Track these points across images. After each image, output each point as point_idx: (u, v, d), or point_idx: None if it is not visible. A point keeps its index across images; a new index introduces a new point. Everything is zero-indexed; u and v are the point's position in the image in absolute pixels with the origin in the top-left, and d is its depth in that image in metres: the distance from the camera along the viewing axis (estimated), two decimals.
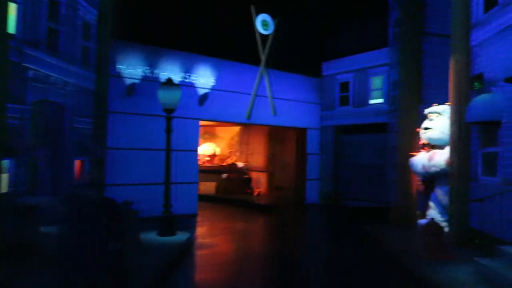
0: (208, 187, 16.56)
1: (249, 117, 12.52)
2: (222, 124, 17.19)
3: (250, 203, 13.31)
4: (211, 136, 18.37)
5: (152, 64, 10.63)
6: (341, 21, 13.89)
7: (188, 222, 10.15)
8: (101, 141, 9.34)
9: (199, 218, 10.81)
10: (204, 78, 11.54)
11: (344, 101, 13.82)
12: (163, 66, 10.77)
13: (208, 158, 17.23)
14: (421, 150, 8.78)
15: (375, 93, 12.87)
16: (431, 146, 8.57)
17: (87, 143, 8.72)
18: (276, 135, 15.70)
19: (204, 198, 14.68)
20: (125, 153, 9.98)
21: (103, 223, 3.10)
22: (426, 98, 8.95)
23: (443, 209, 8.11)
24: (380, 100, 12.68)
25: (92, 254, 3.01)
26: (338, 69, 13.94)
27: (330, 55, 14.23)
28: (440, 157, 7.59)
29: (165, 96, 7.54)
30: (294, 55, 13.83)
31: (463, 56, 6.76)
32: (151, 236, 7.51)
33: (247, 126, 17.06)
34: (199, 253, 7.27)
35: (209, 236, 8.54)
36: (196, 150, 11.38)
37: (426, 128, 8.02)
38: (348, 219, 11.36)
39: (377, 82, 12.80)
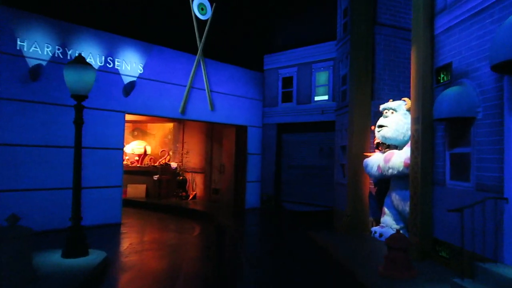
0: (137, 190, 14.87)
1: (183, 112, 11.08)
2: (153, 120, 15.50)
3: (184, 209, 11.85)
4: (142, 134, 16.57)
5: (65, 43, 8.78)
6: (285, 11, 12.99)
7: (108, 235, 8.49)
8: None
9: (123, 229, 9.17)
10: (130, 65, 9.89)
11: (287, 97, 12.92)
12: (80, 47, 8.96)
13: (138, 158, 15.43)
14: (375, 150, 8.05)
15: (320, 90, 12.11)
16: (387, 145, 7.87)
17: None
18: (214, 133, 14.39)
19: (132, 204, 12.98)
20: (21, 150, 8.05)
21: None
22: (379, 94, 8.25)
23: (398, 216, 7.41)
24: (325, 97, 11.94)
25: None
26: (281, 62, 13.00)
27: (273, 47, 13.26)
28: (398, 158, 6.87)
29: (73, 79, 5.89)
30: (235, 45, 12.65)
31: (427, 44, 6.03)
32: (53, 259, 5.84)
33: (181, 122, 15.56)
34: (117, 277, 5.76)
35: (133, 252, 7.02)
36: (121, 149, 9.71)
37: (380, 126, 7.27)
38: (291, 224, 10.41)
39: (322, 78, 12.05)
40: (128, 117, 14.89)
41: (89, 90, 6.12)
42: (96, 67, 9.23)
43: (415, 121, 6.14)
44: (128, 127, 16.35)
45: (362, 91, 8.29)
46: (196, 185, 15.02)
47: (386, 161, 7.01)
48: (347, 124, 8.77)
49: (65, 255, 5.86)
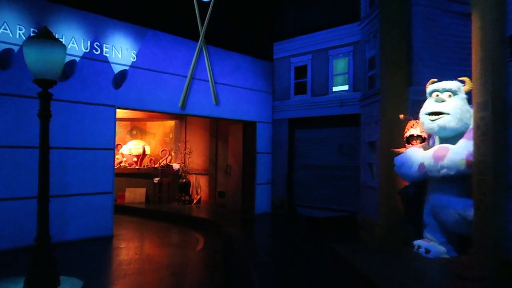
0: (136, 194, 13.54)
1: (184, 106, 9.71)
2: (152, 117, 14.16)
3: (187, 216, 10.48)
4: (141, 133, 15.25)
5: (42, 25, 7.41)
6: None
7: (94, 252, 7.13)
8: None
9: (115, 243, 7.83)
10: (121, 52, 8.53)
11: (300, 89, 11.50)
12: (60, 29, 7.61)
13: (136, 159, 14.10)
14: (406, 145, 6.62)
15: (338, 79, 10.68)
16: (423, 139, 6.44)
17: None
18: (219, 131, 13.02)
19: (129, 211, 11.65)
20: None
21: None
22: (417, 78, 6.81)
23: (437, 227, 5.99)
24: (345, 87, 10.51)
25: None
26: (293, 50, 11.59)
27: (284, 33, 11.85)
28: (456, 155, 5.42)
29: (36, 58, 4.52)
30: (241, 31, 11.26)
31: (495, 5, 4.60)
32: None
33: (183, 119, 14.21)
34: None
35: (121, 277, 5.65)
36: (111, 149, 8.35)
37: (435, 113, 5.77)
38: (309, 234, 9.01)
39: (340, 65, 10.62)
40: (125, 114, 13.64)
41: (58, 73, 4.75)
42: (80, 54, 7.89)
43: (480, 106, 4.73)
44: (126, 126, 15.05)
45: (396, 75, 6.86)
46: (201, 188, 13.67)
47: (438, 158, 5.55)
48: (376, 115, 7.36)
49: (28, 286, 4.50)
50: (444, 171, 5.52)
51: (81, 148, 7.87)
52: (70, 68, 7.68)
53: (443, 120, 5.63)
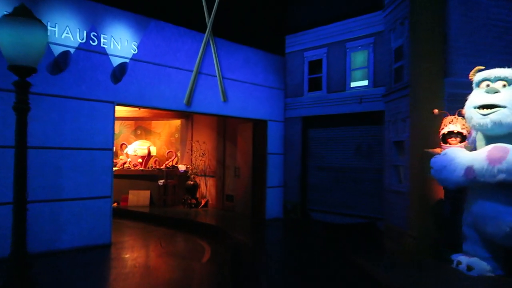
0: (140, 197, 12.86)
1: (189, 103, 8.96)
2: (157, 116, 13.47)
3: (192, 222, 9.71)
4: (145, 132, 14.58)
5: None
6: None
7: (88, 263, 6.40)
8: None
9: (113, 252, 7.11)
10: (121, 43, 7.82)
11: (315, 85, 10.68)
12: (53, 17, 6.91)
13: (141, 160, 13.41)
14: (443, 144, 5.79)
15: (357, 74, 9.85)
16: (463, 136, 5.61)
17: None
18: (228, 130, 12.26)
19: (131, 216, 10.94)
20: None
21: None
22: (454, 68, 5.97)
23: (479, 240, 5.15)
24: (364, 82, 9.68)
25: None
26: (307, 43, 10.78)
27: (297, 26, 11.04)
28: None
29: (11, 40, 3.80)
30: (251, 22, 10.51)
31: None
32: None
33: (188, 117, 13.51)
34: None
35: None
36: (109, 149, 7.63)
37: (486, 107, 4.94)
38: (326, 243, 8.19)
39: (359, 59, 9.79)
40: (128, 113, 12.95)
41: (38, 60, 4.00)
42: (76, 45, 7.19)
43: None
44: (130, 126, 14.38)
45: (429, 66, 6.03)
46: (208, 190, 12.93)
47: (495, 161, 4.67)
48: (405, 112, 6.53)
49: None
50: (501, 176, 4.63)
51: (76, 148, 7.16)
52: (64, 60, 6.97)
53: (498, 114, 4.77)
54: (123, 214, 11.12)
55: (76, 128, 7.15)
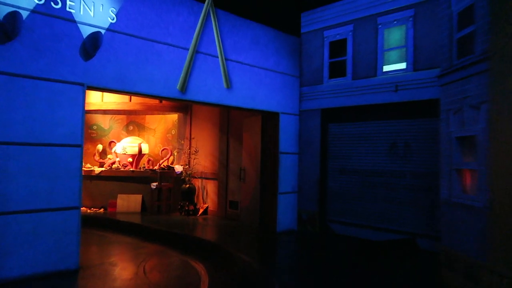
0: (130, 202, 11.14)
1: (184, 89, 7.15)
2: (151, 108, 11.67)
3: (188, 238, 7.87)
4: (138, 128, 12.80)
5: None
6: None
7: None
8: None
9: (80, 283, 5.31)
10: (94, 8, 6.02)
11: (337, 70, 8.85)
12: None
13: (132, 160, 11.63)
14: None
15: (391, 55, 8.00)
16: None
17: None
18: (232, 124, 10.48)
19: (116, 226, 9.17)
20: None
21: None
22: None
23: None
24: (401, 65, 7.82)
25: None
26: (328, 20, 8.94)
27: (315, 0, 9.20)
28: None
29: None
30: None
31: None
32: None
33: (187, 111, 11.75)
34: None
35: None
36: (77, 145, 5.84)
37: None
38: (356, 266, 6.35)
39: (395, 36, 7.94)
40: (118, 105, 11.18)
41: None
42: (31, 7, 5.40)
43: None
44: (121, 121, 12.63)
45: None
46: (208, 195, 11.14)
47: None
48: (478, 95, 4.68)
49: None
50: None
51: (30, 143, 5.38)
52: (12, 26, 5.18)
53: None
54: (107, 224, 9.35)
55: (30, 116, 5.36)
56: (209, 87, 7.59)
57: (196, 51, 7.33)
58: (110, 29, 6.18)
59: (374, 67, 8.11)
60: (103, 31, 6.08)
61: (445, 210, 5.37)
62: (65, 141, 5.68)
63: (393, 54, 7.90)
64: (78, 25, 5.83)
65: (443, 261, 5.32)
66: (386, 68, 7.99)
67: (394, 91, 7.73)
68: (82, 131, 5.89)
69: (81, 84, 5.85)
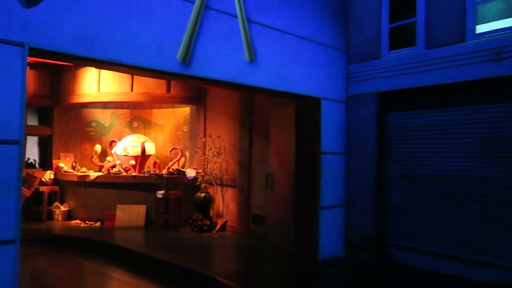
0: (131, 215, 9.14)
1: (187, 59, 4.88)
2: (156, 100, 9.49)
3: (196, 275, 5.56)
4: (144, 124, 10.71)
5: None
6: None
7: None
8: None
9: None
10: None
11: (402, 37, 6.40)
12: None
13: (134, 162, 9.54)
14: None
15: (488, 9, 5.50)
16: None
17: None
18: (255, 115, 8.21)
19: (103, 250, 7.04)
20: None
21: None
22: None
23: None
24: (506, 22, 5.32)
25: None
26: None
27: None
28: None
29: None
30: None
31: None
32: None
33: (200, 102, 9.62)
34: None
35: None
36: (14, 142, 3.66)
37: None
38: None
39: None
40: (117, 96, 9.05)
41: None
42: None
43: None
44: (124, 116, 10.61)
45: None
46: (226, 206, 8.91)
47: None
48: None
49: None
50: None
51: None
52: None
53: None
54: (95, 247, 7.23)
55: None
56: (224, 59, 5.30)
57: (206, 6, 5.07)
58: None
59: (461, 28, 5.62)
60: None
61: None
62: None
63: (491, 7, 5.39)
64: None
65: None
66: (480, 28, 5.48)
67: (494, 61, 5.24)
68: (22, 119, 3.71)
69: (19, 45, 3.67)
